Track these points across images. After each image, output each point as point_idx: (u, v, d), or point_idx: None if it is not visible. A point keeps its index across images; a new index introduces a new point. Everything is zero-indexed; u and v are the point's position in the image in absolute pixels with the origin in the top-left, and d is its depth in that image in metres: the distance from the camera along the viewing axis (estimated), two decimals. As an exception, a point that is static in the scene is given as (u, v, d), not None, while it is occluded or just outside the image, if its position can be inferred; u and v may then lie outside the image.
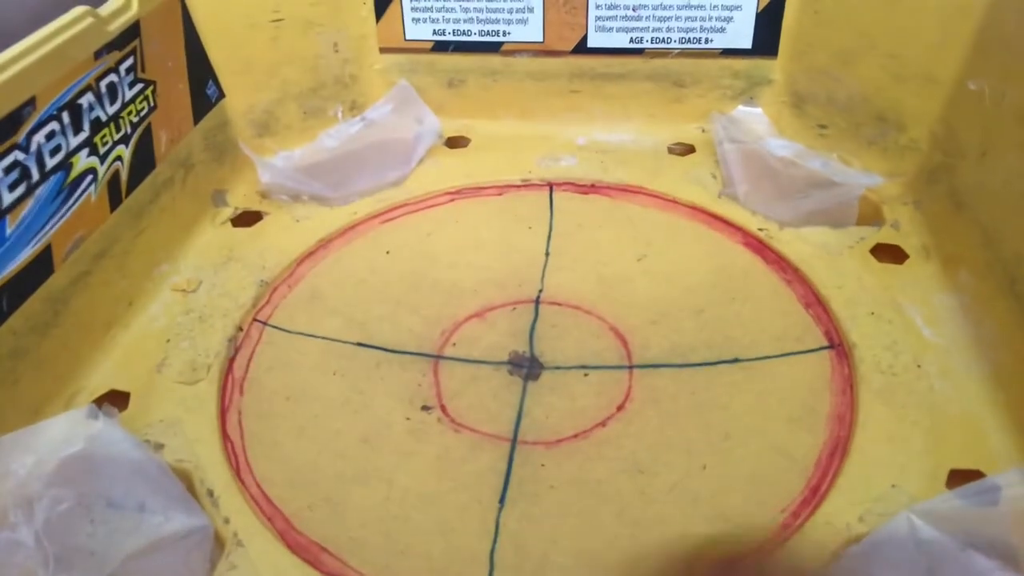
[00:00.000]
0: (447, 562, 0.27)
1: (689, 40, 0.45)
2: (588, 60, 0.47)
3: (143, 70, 0.36)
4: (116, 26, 0.34)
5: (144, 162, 0.37)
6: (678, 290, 0.37)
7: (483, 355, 0.34)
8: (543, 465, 0.30)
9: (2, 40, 0.30)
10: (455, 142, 0.48)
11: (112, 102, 0.34)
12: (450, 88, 0.48)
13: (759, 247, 0.39)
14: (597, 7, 0.45)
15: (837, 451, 0.29)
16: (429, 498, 0.29)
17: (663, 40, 0.46)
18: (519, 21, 0.46)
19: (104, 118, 0.34)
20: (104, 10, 0.34)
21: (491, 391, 0.33)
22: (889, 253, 0.38)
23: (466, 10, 0.46)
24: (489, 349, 0.34)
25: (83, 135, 0.32)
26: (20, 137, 0.29)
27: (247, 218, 0.42)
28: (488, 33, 0.47)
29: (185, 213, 0.40)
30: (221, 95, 0.43)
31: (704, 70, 0.46)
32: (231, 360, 0.34)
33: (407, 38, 0.47)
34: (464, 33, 0.47)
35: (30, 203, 0.30)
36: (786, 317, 0.35)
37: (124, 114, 0.35)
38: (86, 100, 0.33)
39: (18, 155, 0.29)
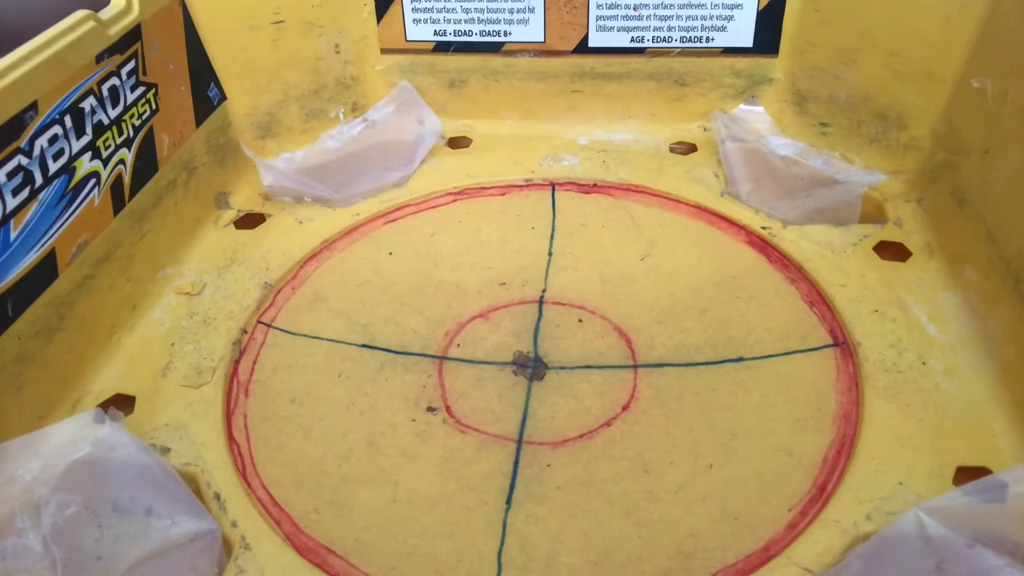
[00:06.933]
0: (454, 563, 0.27)
1: (690, 39, 0.45)
2: (589, 60, 0.47)
3: (145, 73, 0.36)
4: (117, 30, 0.34)
5: (147, 165, 0.37)
6: (682, 289, 0.37)
7: (487, 356, 0.34)
8: (549, 465, 0.30)
9: (4, 45, 0.30)
10: (457, 142, 0.48)
11: (114, 105, 0.34)
12: (451, 88, 0.48)
13: (762, 246, 0.39)
14: (598, 7, 0.45)
15: (844, 449, 0.29)
16: (435, 499, 0.29)
17: (664, 39, 0.46)
18: (520, 21, 0.46)
19: (106, 122, 0.34)
20: (105, 14, 0.34)
21: (496, 392, 0.33)
22: (893, 251, 0.38)
23: (467, 11, 0.46)
24: (493, 350, 0.34)
25: (86, 139, 0.32)
26: (23, 142, 0.29)
27: (250, 220, 0.42)
28: (489, 33, 0.47)
29: (188, 216, 0.40)
30: (223, 97, 0.43)
31: (705, 69, 0.46)
32: (236, 363, 0.34)
33: (408, 39, 0.47)
34: (465, 34, 0.47)
35: (33, 207, 0.30)
36: (790, 316, 0.35)
37: (126, 117, 0.35)
38: (88, 104, 0.33)
39: (21, 160, 0.29)
